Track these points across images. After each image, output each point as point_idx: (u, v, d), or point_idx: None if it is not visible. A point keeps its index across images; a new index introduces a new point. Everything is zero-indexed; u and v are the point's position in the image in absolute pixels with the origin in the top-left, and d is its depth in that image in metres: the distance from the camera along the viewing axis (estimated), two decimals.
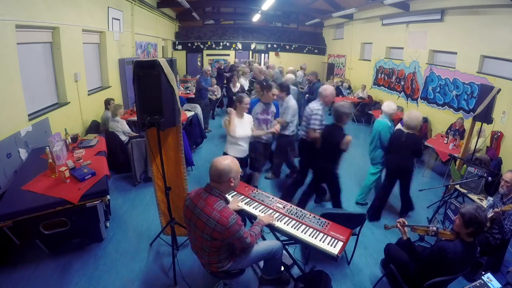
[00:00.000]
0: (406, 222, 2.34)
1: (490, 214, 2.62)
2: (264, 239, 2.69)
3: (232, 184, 1.91)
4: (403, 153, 3.36)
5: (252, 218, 2.45)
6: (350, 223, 2.51)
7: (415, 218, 3.77)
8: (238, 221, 1.83)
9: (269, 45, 13.84)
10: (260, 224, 2.17)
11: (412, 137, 3.33)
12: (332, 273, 2.64)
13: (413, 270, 2.19)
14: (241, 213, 2.40)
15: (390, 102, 3.85)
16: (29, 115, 3.63)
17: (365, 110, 8.59)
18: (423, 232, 2.32)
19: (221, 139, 6.26)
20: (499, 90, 3.61)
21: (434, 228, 2.24)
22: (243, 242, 1.92)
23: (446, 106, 6.47)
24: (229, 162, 1.88)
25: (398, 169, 3.47)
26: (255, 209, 2.47)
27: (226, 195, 1.98)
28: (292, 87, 4.92)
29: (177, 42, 13.05)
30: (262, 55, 14.36)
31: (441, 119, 6.47)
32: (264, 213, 2.39)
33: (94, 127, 5.00)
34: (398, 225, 2.34)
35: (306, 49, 13.99)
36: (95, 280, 2.52)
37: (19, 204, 2.43)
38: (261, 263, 2.40)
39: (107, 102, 4.97)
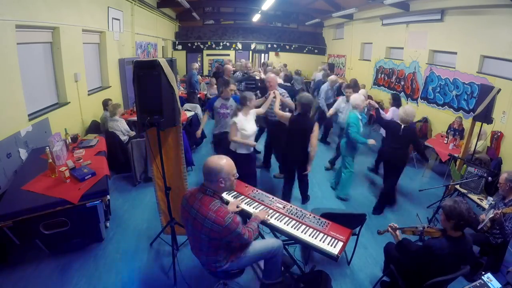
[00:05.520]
0: (397, 225, 2.36)
1: (491, 215, 2.62)
2: (263, 238, 2.69)
3: (222, 185, 1.85)
4: (401, 145, 3.56)
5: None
6: (350, 223, 2.51)
7: (415, 218, 3.76)
8: (235, 219, 1.82)
9: (269, 45, 13.82)
10: (256, 220, 2.17)
11: (409, 130, 3.55)
12: (332, 273, 2.63)
13: (413, 271, 2.19)
14: (241, 213, 2.39)
15: (356, 95, 4.14)
16: (29, 115, 3.63)
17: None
18: (410, 233, 2.33)
19: None
20: (499, 90, 3.61)
21: (421, 228, 2.26)
22: (242, 239, 1.91)
23: (446, 106, 6.46)
24: (222, 162, 1.84)
25: (393, 160, 3.64)
26: (255, 209, 2.47)
27: (222, 195, 1.95)
28: None
29: (177, 42, 13.04)
30: (262, 55, 14.36)
31: (441, 119, 6.46)
32: None
33: (94, 127, 5.00)
34: (389, 229, 2.36)
35: (306, 49, 13.97)
36: (95, 280, 2.52)
37: (19, 204, 2.43)
38: (261, 263, 2.40)
39: (105, 103, 4.95)
